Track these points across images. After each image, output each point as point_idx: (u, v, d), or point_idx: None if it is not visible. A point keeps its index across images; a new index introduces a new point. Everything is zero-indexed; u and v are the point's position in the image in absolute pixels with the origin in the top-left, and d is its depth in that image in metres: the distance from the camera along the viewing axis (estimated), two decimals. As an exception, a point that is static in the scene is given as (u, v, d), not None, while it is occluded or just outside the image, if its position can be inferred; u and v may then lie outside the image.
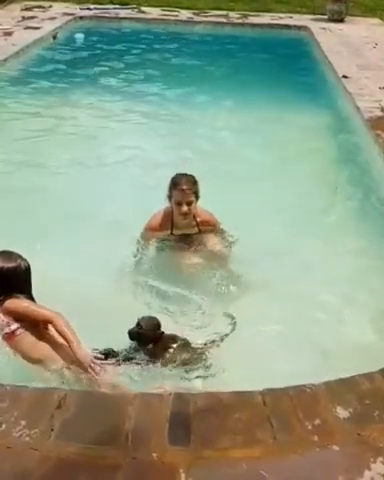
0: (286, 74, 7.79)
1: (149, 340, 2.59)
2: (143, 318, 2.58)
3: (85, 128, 5.80)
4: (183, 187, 3.23)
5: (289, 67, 8.19)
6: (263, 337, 2.89)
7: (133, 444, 2.00)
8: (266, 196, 4.36)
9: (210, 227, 3.47)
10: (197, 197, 3.32)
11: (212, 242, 3.47)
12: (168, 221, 3.39)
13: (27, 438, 1.99)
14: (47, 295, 2.70)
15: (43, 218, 3.92)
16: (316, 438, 2.00)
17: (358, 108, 5.93)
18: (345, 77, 7.06)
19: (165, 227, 3.41)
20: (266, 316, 3.04)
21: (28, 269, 2.66)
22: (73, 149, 5.25)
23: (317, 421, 2.07)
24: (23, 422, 2.05)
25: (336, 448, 1.95)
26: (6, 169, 4.73)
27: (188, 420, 2.10)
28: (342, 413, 2.09)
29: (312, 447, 1.97)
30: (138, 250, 3.45)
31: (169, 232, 3.42)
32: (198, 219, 3.40)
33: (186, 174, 3.35)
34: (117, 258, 3.42)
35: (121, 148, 5.32)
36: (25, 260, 2.66)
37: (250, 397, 2.21)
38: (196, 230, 3.45)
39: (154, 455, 1.96)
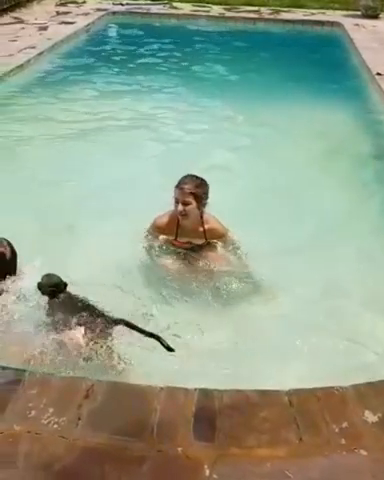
0: (318, 71, 7.69)
1: (45, 293, 2.71)
2: (47, 274, 2.74)
3: (114, 121, 5.82)
4: (183, 186, 3.16)
5: (321, 64, 8.08)
6: (287, 344, 2.85)
7: (158, 437, 2.01)
8: (295, 195, 4.32)
9: (217, 236, 3.35)
10: (200, 201, 3.19)
11: (218, 258, 3.32)
12: (173, 224, 3.30)
13: (55, 426, 2.02)
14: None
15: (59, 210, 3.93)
16: (343, 441, 1.98)
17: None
18: (379, 74, 6.94)
19: (170, 229, 3.32)
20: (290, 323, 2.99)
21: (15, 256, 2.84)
22: (99, 141, 5.28)
23: (344, 424, 2.05)
24: (51, 409, 2.08)
25: (364, 453, 1.93)
26: (39, 159, 4.79)
27: (213, 416, 2.10)
28: (370, 417, 2.07)
29: (339, 450, 1.95)
30: (143, 248, 3.38)
31: (174, 237, 3.34)
32: (206, 226, 3.30)
33: (194, 176, 3.24)
34: (123, 255, 3.35)
35: (150, 142, 5.34)
36: (12, 247, 2.84)
37: (276, 396, 2.19)
38: (202, 238, 3.33)
39: (179, 449, 1.97)
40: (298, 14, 10.75)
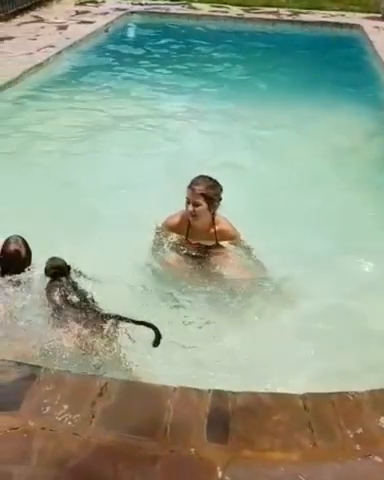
0: (337, 73, 7.65)
1: (49, 275, 2.87)
2: (52, 257, 2.91)
3: (130, 120, 5.85)
4: (194, 186, 3.15)
5: (340, 66, 8.03)
6: (297, 349, 2.83)
7: (171, 437, 2.01)
8: (314, 197, 4.29)
9: (228, 237, 3.33)
10: (211, 202, 3.16)
11: (228, 260, 3.29)
12: (185, 224, 3.29)
13: (69, 422, 2.02)
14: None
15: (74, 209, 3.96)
16: (358, 447, 1.96)
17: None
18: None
19: (181, 229, 3.31)
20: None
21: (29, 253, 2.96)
22: (114, 139, 5.31)
23: (359, 430, 2.03)
24: (66, 406, 2.09)
25: (379, 460, 1.90)
26: (54, 157, 4.82)
27: (227, 418, 2.09)
28: (385, 424, 2.05)
29: (353, 456, 1.94)
30: (153, 245, 3.38)
31: (185, 237, 3.33)
32: (217, 227, 3.28)
33: (207, 177, 3.21)
34: (132, 253, 3.35)
35: (166, 141, 5.35)
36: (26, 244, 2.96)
37: (291, 400, 2.18)
38: (213, 239, 3.31)
39: (192, 450, 1.96)
40: (317, 16, 10.69)
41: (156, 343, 2.56)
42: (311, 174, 4.66)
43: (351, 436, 2.01)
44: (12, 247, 2.94)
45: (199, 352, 2.72)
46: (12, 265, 2.90)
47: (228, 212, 3.37)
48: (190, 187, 3.17)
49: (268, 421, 2.08)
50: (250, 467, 1.92)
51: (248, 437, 2.02)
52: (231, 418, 2.09)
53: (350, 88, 6.97)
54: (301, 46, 9.09)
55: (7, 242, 2.97)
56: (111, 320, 2.68)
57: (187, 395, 2.20)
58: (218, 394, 2.20)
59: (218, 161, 4.71)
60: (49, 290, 2.81)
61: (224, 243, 3.34)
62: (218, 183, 3.22)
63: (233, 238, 3.35)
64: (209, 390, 2.22)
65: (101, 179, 4.45)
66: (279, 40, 9.49)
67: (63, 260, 2.91)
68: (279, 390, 2.36)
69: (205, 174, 3.24)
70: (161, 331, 2.58)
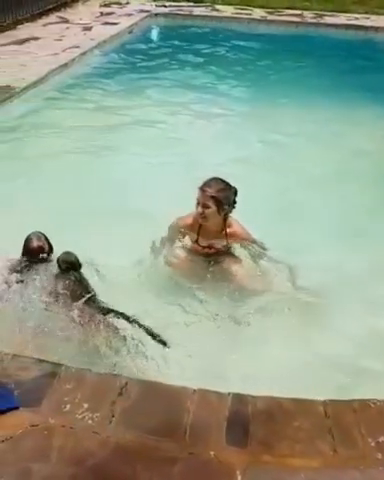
0: (360, 76, 7.57)
1: (60, 267, 2.96)
2: (67, 251, 2.98)
3: (152, 120, 5.87)
4: (205, 188, 3.12)
5: (364, 69, 7.95)
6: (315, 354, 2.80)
7: (191, 439, 2.00)
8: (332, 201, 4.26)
9: (239, 240, 3.29)
10: (220, 205, 3.12)
11: (236, 267, 3.25)
12: (196, 225, 3.27)
13: (89, 421, 2.03)
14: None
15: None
16: (380, 456, 1.93)
17: None
18: None
19: (193, 230, 3.30)
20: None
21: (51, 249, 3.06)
22: (138, 139, 5.33)
23: (381, 438, 1.99)
24: (86, 405, 2.10)
25: (401, 470, 1.88)
26: (75, 156, 4.87)
27: (247, 421, 2.08)
28: (408, 433, 2.01)
29: (374, 465, 1.91)
30: (163, 245, 3.38)
31: (195, 237, 3.30)
32: (228, 230, 3.25)
33: (220, 179, 3.17)
34: (142, 249, 3.37)
35: (186, 142, 5.35)
36: (48, 240, 3.06)
37: (311, 406, 2.16)
38: (224, 240, 3.28)
39: (211, 453, 1.95)
40: (342, 19, 10.60)
41: (163, 344, 2.62)
42: (340, 178, 4.62)
43: (372, 444, 1.98)
44: (35, 243, 3.02)
45: (205, 352, 2.71)
46: (39, 260, 3.00)
47: (252, 213, 3.34)
48: (201, 189, 3.15)
49: (288, 426, 2.06)
50: (269, 472, 1.91)
51: (268, 442, 2.00)
52: (251, 422, 2.07)
53: (373, 91, 6.88)
54: (325, 49, 9.02)
55: (29, 239, 3.05)
56: (111, 314, 2.78)
57: (207, 397, 2.19)
58: (238, 397, 2.18)
59: (239, 161, 4.73)
60: (57, 280, 2.91)
61: (235, 246, 3.32)
62: (231, 187, 3.17)
63: (244, 240, 3.32)
64: (229, 393, 2.20)
65: (119, 177, 4.48)
66: (303, 43, 9.43)
67: (76, 257, 2.98)
68: (299, 396, 2.33)
69: (218, 177, 3.20)
70: (164, 331, 2.64)
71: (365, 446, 1.98)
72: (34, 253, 3.01)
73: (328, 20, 10.50)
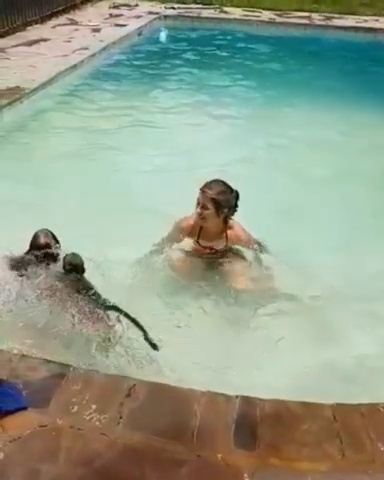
0: (370, 80, 7.54)
1: (64, 267, 2.98)
2: (73, 253, 3.00)
3: (162, 121, 5.88)
4: (205, 190, 3.13)
5: (373, 73, 7.92)
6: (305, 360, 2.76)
7: (198, 442, 2.00)
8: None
9: (240, 243, 3.30)
10: (219, 208, 3.11)
11: (233, 269, 3.25)
12: (197, 226, 3.28)
13: (97, 422, 2.04)
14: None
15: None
16: (389, 461, 1.92)
17: None
18: None
19: (194, 230, 3.30)
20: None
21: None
22: (147, 140, 5.36)
23: (390, 443, 1.99)
24: (94, 406, 2.10)
25: (410, 474, 1.86)
26: (85, 158, 4.88)
27: (255, 424, 2.08)
28: (417, 438, 2.00)
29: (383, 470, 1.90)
30: (163, 245, 3.37)
31: (196, 237, 3.31)
32: (228, 232, 3.26)
33: (221, 182, 3.16)
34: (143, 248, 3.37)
35: (193, 142, 5.35)
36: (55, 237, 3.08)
37: (319, 409, 2.15)
38: (224, 241, 3.29)
39: (219, 456, 1.95)
40: (350, 21, 10.56)
41: (154, 346, 2.63)
42: (346, 179, 4.61)
43: (382, 449, 1.97)
44: (42, 240, 3.04)
45: (197, 353, 2.69)
46: (45, 257, 3.02)
47: (257, 212, 3.33)
48: (202, 190, 3.15)
49: (296, 430, 2.05)
50: (278, 475, 1.90)
51: (276, 445, 2.00)
52: (259, 425, 2.07)
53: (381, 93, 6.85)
54: (333, 51, 9.00)
55: (37, 236, 3.07)
56: (110, 312, 2.81)
57: (214, 400, 2.18)
58: (246, 400, 2.18)
59: (246, 162, 4.74)
60: (58, 279, 2.94)
61: (235, 248, 3.32)
62: (232, 190, 3.16)
63: (245, 243, 3.32)
64: (237, 396, 2.20)
65: (125, 178, 4.50)
66: (311, 45, 9.41)
67: (82, 260, 2.99)
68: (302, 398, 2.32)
69: (220, 179, 3.19)
70: (162, 332, 2.64)
71: (374, 450, 1.97)
72: (41, 249, 3.02)
73: (336, 22, 10.47)
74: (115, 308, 2.83)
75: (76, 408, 2.08)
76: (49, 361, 2.35)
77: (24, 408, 2.07)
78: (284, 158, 5.09)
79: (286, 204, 4.13)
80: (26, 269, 2.97)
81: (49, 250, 3.02)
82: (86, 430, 2.01)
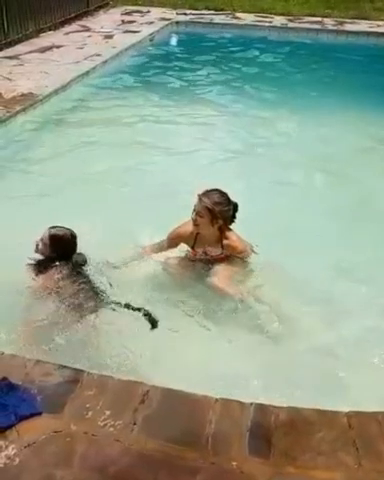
0: (381, 83, 7.52)
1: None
2: (79, 253, 3.15)
3: (173, 127, 5.90)
4: (202, 198, 3.13)
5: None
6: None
7: (213, 449, 1.99)
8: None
9: (235, 252, 3.28)
10: (214, 217, 3.11)
11: (223, 276, 3.24)
12: (195, 232, 3.27)
13: (111, 429, 2.03)
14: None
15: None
16: (406, 470, 1.90)
17: None
18: None
19: (192, 235, 3.30)
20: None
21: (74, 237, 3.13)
22: (155, 147, 5.35)
23: (407, 452, 1.96)
24: (108, 412, 2.10)
25: None
26: (99, 161, 4.92)
27: (269, 432, 2.06)
28: None
29: (401, 479, 1.87)
30: (159, 249, 3.39)
31: (192, 243, 3.31)
32: (225, 241, 3.25)
33: (219, 192, 3.16)
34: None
35: (206, 150, 5.36)
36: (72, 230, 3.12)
37: (335, 417, 2.13)
38: (219, 248, 3.28)
39: (233, 463, 1.94)
40: (363, 26, 10.54)
41: (153, 325, 2.79)
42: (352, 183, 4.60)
43: (399, 458, 1.94)
44: (61, 232, 3.08)
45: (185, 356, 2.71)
46: (65, 252, 3.09)
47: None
48: (199, 197, 3.16)
49: (312, 438, 2.04)
50: (293, 484, 1.89)
51: (291, 453, 1.98)
52: (274, 433, 2.05)
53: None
54: (346, 56, 8.98)
55: (67, 239, 3.10)
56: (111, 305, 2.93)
57: (229, 407, 2.18)
58: (260, 408, 2.17)
59: (259, 169, 4.71)
60: (68, 275, 3.03)
61: (229, 257, 3.30)
62: (230, 202, 3.15)
63: (240, 253, 3.30)
64: (251, 403, 2.19)
65: (139, 183, 4.53)
66: (323, 50, 9.40)
67: (85, 259, 3.13)
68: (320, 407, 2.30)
69: (220, 189, 3.18)
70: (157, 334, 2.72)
71: (390, 459, 1.95)
72: (61, 245, 3.07)
73: (349, 27, 10.46)
74: (115, 302, 2.94)
75: (90, 414, 2.08)
76: (63, 366, 2.36)
77: (39, 413, 2.08)
78: (294, 158, 5.07)
79: (286, 214, 4.07)
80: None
81: (71, 247, 3.11)
82: (100, 436, 2.01)
